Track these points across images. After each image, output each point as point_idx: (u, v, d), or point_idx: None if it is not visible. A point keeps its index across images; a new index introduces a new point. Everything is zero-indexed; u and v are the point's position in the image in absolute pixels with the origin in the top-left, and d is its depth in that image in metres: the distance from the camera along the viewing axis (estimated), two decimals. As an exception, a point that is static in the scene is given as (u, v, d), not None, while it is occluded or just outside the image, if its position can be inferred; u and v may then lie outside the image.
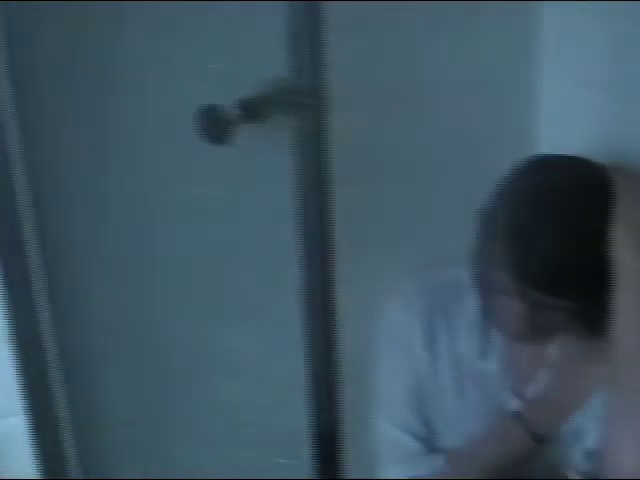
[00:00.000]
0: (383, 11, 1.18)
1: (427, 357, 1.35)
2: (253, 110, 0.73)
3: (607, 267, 1.15)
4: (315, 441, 0.76)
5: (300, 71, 0.69)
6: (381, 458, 1.37)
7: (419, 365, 1.35)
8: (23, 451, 1.07)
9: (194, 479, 1.22)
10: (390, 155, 1.37)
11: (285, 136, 0.71)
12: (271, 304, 1.17)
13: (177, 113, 0.88)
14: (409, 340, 1.35)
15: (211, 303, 1.17)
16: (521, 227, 1.16)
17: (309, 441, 0.77)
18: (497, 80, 1.45)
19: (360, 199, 1.30)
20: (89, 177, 1.09)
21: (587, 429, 1.28)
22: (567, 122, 1.46)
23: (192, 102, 0.78)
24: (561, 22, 1.40)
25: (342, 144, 1.20)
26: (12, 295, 0.87)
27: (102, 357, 1.17)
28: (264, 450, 1.28)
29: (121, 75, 0.97)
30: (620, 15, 1.26)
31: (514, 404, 1.36)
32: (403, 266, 1.40)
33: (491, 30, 1.38)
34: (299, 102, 0.67)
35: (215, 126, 0.73)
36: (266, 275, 1.19)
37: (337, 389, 0.75)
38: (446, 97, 1.40)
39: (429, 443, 1.37)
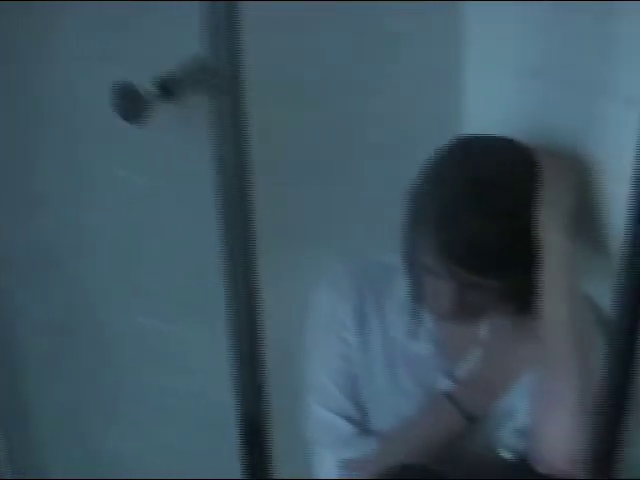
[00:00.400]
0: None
1: (358, 340, 1.34)
2: (170, 89, 0.71)
3: (534, 247, 1.16)
4: (242, 426, 0.75)
5: (217, 51, 0.67)
6: (315, 442, 1.36)
7: (350, 348, 1.35)
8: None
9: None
10: (315, 142, 1.36)
11: (203, 116, 0.70)
12: (195, 288, 1.16)
13: (95, 92, 0.85)
14: (340, 324, 1.34)
15: (134, 288, 1.15)
16: (447, 208, 1.17)
17: (237, 426, 0.76)
18: (421, 65, 1.45)
19: (285, 187, 1.30)
20: (7, 159, 1.06)
21: (518, 408, 1.29)
22: (492, 105, 1.46)
23: (110, 81, 0.76)
24: (485, 7, 1.40)
25: (267, 135, 1.20)
26: None
27: (24, 344, 1.14)
28: (191, 435, 1.26)
29: (37, 54, 0.94)
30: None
31: (446, 385, 1.36)
32: (331, 253, 1.40)
33: (415, 15, 1.38)
34: (216, 83, 0.65)
35: (131, 104, 0.71)
36: (188, 259, 1.17)
37: (263, 373, 0.74)
38: (370, 84, 1.39)
39: (362, 426, 1.36)
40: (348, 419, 1.34)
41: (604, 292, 0.78)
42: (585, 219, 1.28)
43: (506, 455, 1.27)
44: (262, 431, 0.76)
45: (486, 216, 1.14)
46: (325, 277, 1.36)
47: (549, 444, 1.14)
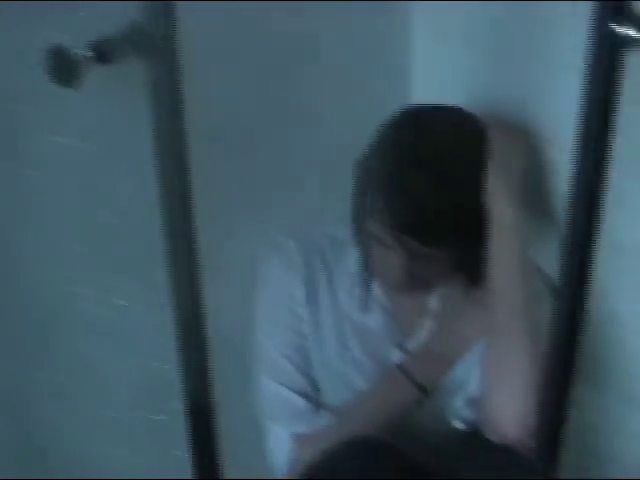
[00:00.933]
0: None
1: (308, 313, 1.33)
2: (105, 52, 0.69)
3: (482, 216, 1.16)
4: (187, 396, 0.74)
5: (153, 15, 0.65)
6: (267, 417, 1.35)
7: (301, 322, 1.33)
8: None
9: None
10: (263, 111, 1.34)
11: (139, 81, 0.68)
12: (136, 256, 1.14)
13: (28, 56, 0.83)
14: (290, 298, 1.33)
15: (73, 255, 1.12)
16: (395, 177, 1.16)
17: (181, 396, 0.75)
18: (370, 35, 1.44)
19: (232, 156, 1.28)
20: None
21: (470, 378, 1.29)
22: (441, 75, 1.46)
23: (43, 44, 0.74)
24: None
25: (215, 104, 1.18)
26: None
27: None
28: (135, 406, 1.24)
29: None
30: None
31: (398, 357, 1.36)
32: (279, 225, 1.39)
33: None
34: (151, 46, 0.63)
35: (65, 68, 0.69)
36: (128, 226, 1.15)
37: (206, 344, 0.73)
38: (318, 54, 1.37)
39: (315, 400, 1.35)
40: (301, 394, 1.33)
41: (554, 261, 0.78)
42: (534, 189, 1.28)
43: (459, 425, 1.28)
44: (208, 406, 0.74)
45: (434, 185, 1.14)
46: (274, 250, 1.34)
47: (500, 412, 1.14)
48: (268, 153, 1.37)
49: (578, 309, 0.68)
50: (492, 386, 1.18)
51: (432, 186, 1.14)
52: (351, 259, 1.34)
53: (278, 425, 1.33)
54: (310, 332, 1.34)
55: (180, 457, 0.84)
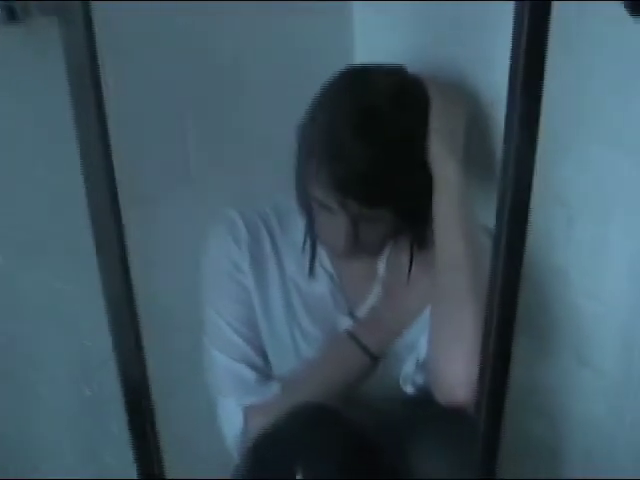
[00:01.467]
0: None
1: (255, 283, 1.31)
2: (14, 11, 0.66)
3: (425, 176, 1.15)
4: (121, 371, 0.71)
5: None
6: (216, 390, 1.33)
7: (248, 293, 1.32)
8: None
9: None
10: (201, 79, 1.32)
11: (51, 41, 0.65)
12: (62, 235, 1.11)
13: None
14: (236, 269, 1.31)
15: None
16: (334, 139, 1.14)
17: (116, 372, 0.72)
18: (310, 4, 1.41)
19: (172, 124, 1.25)
20: None
21: (420, 342, 1.28)
22: (383, 37, 1.44)
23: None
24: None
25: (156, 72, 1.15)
26: None
27: None
28: (71, 385, 1.22)
29: None
30: None
31: (347, 324, 1.34)
32: (221, 195, 1.37)
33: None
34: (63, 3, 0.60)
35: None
36: (54, 202, 1.12)
37: (138, 320, 0.70)
38: (258, 19, 1.35)
39: (264, 372, 1.34)
40: (249, 365, 1.32)
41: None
42: (479, 150, 1.27)
43: (409, 390, 1.27)
44: (142, 385, 0.72)
45: (374, 146, 1.12)
46: (218, 221, 1.32)
47: (448, 376, 1.13)
48: (205, 121, 1.35)
49: (515, 262, 0.66)
50: (439, 347, 1.17)
51: (371, 147, 1.12)
52: (296, 227, 1.33)
53: (228, 398, 1.31)
54: (257, 302, 1.32)
55: (118, 435, 0.82)
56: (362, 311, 1.35)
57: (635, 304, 0.96)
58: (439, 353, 1.17)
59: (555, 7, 0.57)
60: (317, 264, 1.33)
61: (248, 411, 1.30)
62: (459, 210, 1.15)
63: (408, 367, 1.29)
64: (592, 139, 1.00)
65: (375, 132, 1.13)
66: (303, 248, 1.31)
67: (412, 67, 1.24)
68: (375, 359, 1.32)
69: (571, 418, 1.05)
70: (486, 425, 0.79)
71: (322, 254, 1.33)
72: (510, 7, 0.56)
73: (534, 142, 0.64)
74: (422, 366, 1.26)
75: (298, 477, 1.11)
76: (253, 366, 1.32)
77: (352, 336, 1.32)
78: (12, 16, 0.65)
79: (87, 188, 0.67)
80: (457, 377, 1.11)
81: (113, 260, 0.71)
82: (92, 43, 0.61)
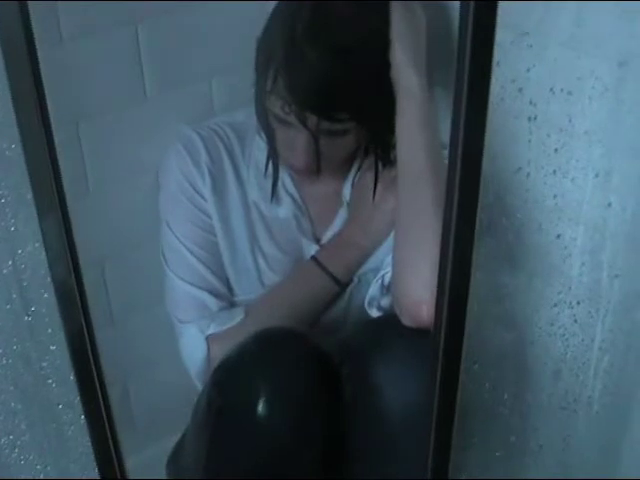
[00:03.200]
0: None
1: (216, 208, 1.28)
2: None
3: (386, 88, 1.11)
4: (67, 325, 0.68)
5: None
6: (177, 317, 1.30)
7: (208, 217, 1.28)
8: None
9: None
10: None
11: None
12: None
13: None
14: (197, 193, 1.28)
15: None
16: (291, 51, 1.11)
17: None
18: None
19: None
20: None
21: (385, 265, 1.25)
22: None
23: None
24: None
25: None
26: None
27: None
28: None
29: None
30: None
31: (312, 249, 1.32)
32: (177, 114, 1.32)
33: None
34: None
35: None
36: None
37: (79, 265, 0.67)
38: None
39: (227, 298, 1.31)
40: (211, 292, 1.29)
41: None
42: (442, 62, 1.23)
43: (374, 313, 1.25)
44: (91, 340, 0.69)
45: (330, 57, 1.09)
46: (175, 143, 1.28)
47: (412, 295, 1.11)
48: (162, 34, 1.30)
49: (472, 164, 0.63)
50: (402, 266, 1.15)
51: (329, 58, 1.09)
52: (257, 148, 1.29)
53: (190, 325, 1.28)
54: (218, 227, 1.29)
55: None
56: (327, 235, 1.33)
57: (602, 207, 0.94)
58: (402, 272, 1.14)
59: None
60: (280, 188, 1.30)
61: (211, 339, 1.27)
62: (422, 123, 1.12)
63: (373, 290, 1.26)
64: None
65: (331, 39, 1.09)
66: (265, 171, 1.27)
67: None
68: (340, 284, 1.30)
69: (538, 328, 1.04)
70: (446, 339, 0.77)
71: (286, 177, 1.30)
72: None
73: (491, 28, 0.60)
74: (387, 288, 1.23)
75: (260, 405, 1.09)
76: (215, 293, 1.29)
77: (317, 262, 1.30)
78: None
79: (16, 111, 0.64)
80: (421, 295, 1.08)
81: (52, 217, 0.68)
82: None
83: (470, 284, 0.69)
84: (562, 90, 0.86)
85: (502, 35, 0.63)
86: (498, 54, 0.63)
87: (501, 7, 0.61)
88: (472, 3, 0.58)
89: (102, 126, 1.28)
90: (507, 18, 0.64)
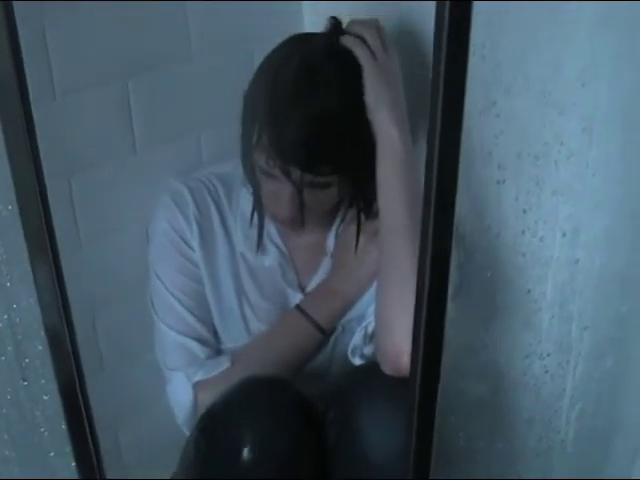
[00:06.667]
0: None
1: (203, 258, 1.31)
2: None
3: (368, 143, 1.15)
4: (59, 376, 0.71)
5: None
6: (165, 365, 1.33)
7: (197, 268, 1.31)
8: None
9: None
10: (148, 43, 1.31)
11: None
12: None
13: None
14: (185, 244, 1.31)
15: None
16: (275, 105, 1.15)
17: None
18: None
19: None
20: None
21: (368, 313, 1.28)
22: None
23: None
24: None
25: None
26: None
27: None
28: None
29: None
30: None
31: (297, 298, 1.35)
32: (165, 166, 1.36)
33: None
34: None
35: None
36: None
37: (71, 318, 0.70)
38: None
39: (214, 347, 1.34)
40: (199, 340, 1.32)
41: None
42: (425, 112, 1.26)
43: (357, 361, 1.28)
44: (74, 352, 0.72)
45: (312, 109, 1.13)
46: (164, 196, 1.31)
47: (393, 345, 1.14)
48: (151, 89, 1.34)
49: (446, 222, 0.67)
50: (383, 317, 1.18)
51: (312, 119, 1.12)
52: (244, 199, 1.32)
53: (177, 373, 1.31)
54: (206, 277, 1.32)
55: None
56: (312, 285, 1.36)
57: (570, 262, 0.98)
58: (383, 323, 1.17)
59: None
60: (266, 238, 1.33)
61: (198, 386, 1.30)
62: (401, 176, 1.15)
63: (357, 339, 1.29)
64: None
65: (313, 96, 1.13)
66: (251, 222, 1.31)
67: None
68: (325, 333, 1.33)
69: (513, 380, 1.06)
70: (421, 391, 0.80)
71: (271, 228, 1.33)
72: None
73: (461, 102, 0.64)
74: (370, 338, 1.26)
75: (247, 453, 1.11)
76: (202, 341, 1.32)
77: (302, 311, 1.32)
78: None
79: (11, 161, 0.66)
80: (401, 347, 1.11)
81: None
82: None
83: (443, 340, 0.73)
84: (529, 154, 0.90)
85: (469, 105, 0.67)
86: (467, 123, 0.67)
87: (469, 78, 0.65)
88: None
89: (93, 180, 1.31)
90: (475, 87, 0.68)
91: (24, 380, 0.82)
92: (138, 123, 1.34)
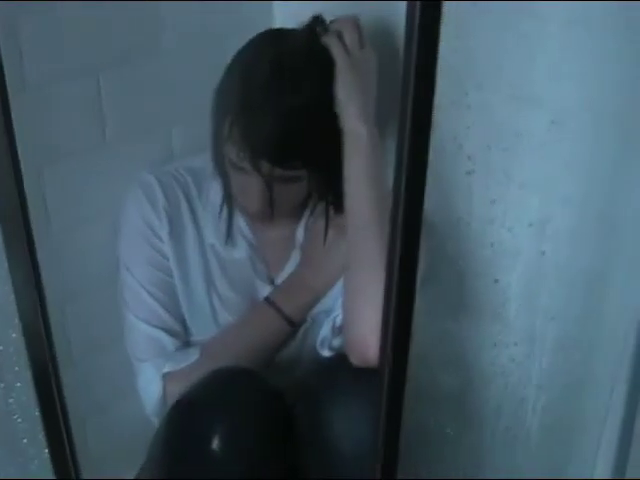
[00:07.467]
0: None
1: (173, 250, 1.31)
2: None
3: (336, 136, 1.16)
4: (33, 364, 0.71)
5: None
6: (134, 356, 1.33)
7: (165, 258, 1.32)
8: None
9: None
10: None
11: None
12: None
13: None
14: (152, 234, 1.31)
15: None
16: (245, 99, 1.16)
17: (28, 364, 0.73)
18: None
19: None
20: None
21: (337, 306, 1.29)
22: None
23: None
24: None
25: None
26: None
27: None
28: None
29: None
30: None
31: (266, 290, 1.35)
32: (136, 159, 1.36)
33: None
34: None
35: None
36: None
37: (45, 307, 0.70)
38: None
39: (183, 338, 1.34)
40: (168, 332, 1.32)
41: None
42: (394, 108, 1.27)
43: (326, 353, 1.28)
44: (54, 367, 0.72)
45: (282, 104, 1.14)
46: (135, 187, 1.31)
47: (360, 337, 1.15)
48: (120, 80, 1.34)
49: (414, 214, 0.67)
50: (352, 311, 1.19)
51: (282, 113, 1.13)
52: (214, 192, 1.33)
53: (146, 364, 1.31)
54: (176, 269, 1.32)
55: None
56: (281, 277, 1.36)
57: (537, 254, 1.00)
58: (351, 315, 1.19)
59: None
60: (236, 230, 1.34)
61: (167, 377, 1.30)
62: (368, 172, 1.16)
63: (325, 331, 1.30)
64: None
65: (282, 90, 1.14)
66: (220, 214, 1.31)
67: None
68: (294, 325, 1.34)
69: (480, 370, 1.08)
70: (390, 381, 0.81)
71: (241, 220, 1.34)
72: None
73: (431, 91, 0.65)
74: (339, 330, 1.27)
75: (215, 443, 1.12)
76: (171, 332, 1.32)
77: (271, 303, 1.33)
78: None
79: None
80: (368, 338, 1.13)
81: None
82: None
83: (412, 327, 0.74)
84: (498, 147, 0.92)
85: (442, 97, 0.68)
86: (438, 114, 0.68)
87: (440, 68, 0.66)
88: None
89: (65, 172, 1.31)
90: (447, 79, 0.70)
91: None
92: (109, 116, 1.34)
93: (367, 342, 1.13)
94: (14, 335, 0.78)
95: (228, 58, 1.22)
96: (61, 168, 1.31)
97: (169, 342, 1.32)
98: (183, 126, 1.45)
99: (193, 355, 1.30)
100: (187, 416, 1.19)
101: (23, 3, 1.15)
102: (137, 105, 1.38)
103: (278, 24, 1.49)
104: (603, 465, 1.17)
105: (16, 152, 0.67)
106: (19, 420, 0.82)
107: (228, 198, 1.29)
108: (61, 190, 1.31)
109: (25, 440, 0.82)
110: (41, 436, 0.75)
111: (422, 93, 0.66)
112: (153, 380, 1.31)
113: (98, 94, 1.31)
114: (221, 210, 1.31)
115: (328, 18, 1.23)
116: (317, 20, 1.22)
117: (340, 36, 1.18)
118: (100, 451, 1.46)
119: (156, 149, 1.42)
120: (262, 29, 1.24)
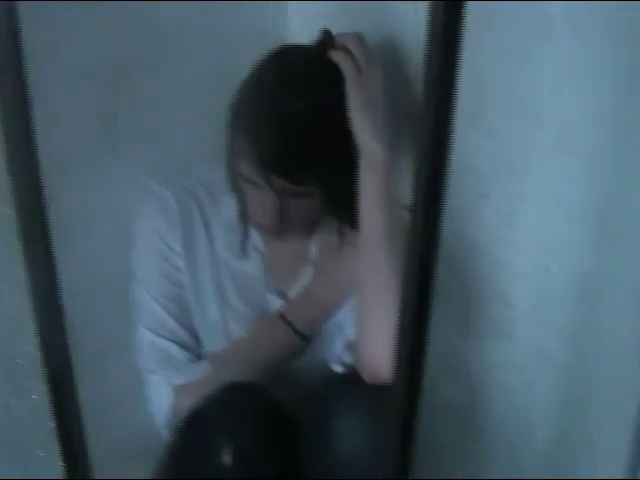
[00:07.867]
0: None
1: (185, 262, 1.32)
2: None
3: (350, 153, 1.17)
4: (49, 377, 0.71)
5: None
6: (144, 368, 1.33)
7: (177, 271, 1.32)
8: None
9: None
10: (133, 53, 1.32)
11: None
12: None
13: None
14: (165, 246, 1.31)
15: None
16: (259, 115, 1.16)
17: (43, 377, 0.73)
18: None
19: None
20: None
21: (348, 321, 1.30)
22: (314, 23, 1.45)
23: None
24: None
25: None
26: None
27: None
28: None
29: None
30: None
31: (278, 304, 1.36)
32: (151, 171, 1.36)
33: None
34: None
35: None
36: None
37: (64, 319, 0.71)
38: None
39: (194, 351, 1.34)
40: (180, 344, 1.32)
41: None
42: (408, 123, 1.28)
43: (337, 369, 1.29)
44: (70, 380, 0.72)
45: (295, 121, 1.14)
46: (148, 200, 1.32)
47: (372, 354, 1.15)
48: (135, 93, 1.35)
49: (432, 235, 0.67)
50: (363, 327, 1.19)
51: (292, 121, 1.14)
52: (227, 204, 1.33)
53: (157, 377, 1.32)
54: (188, 281, 1.33)
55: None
56: (293, 291, 1.37)
57: (545, 278, 1.00)
58: (363, 332, 1.19)
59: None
60: (248, 244, 1.34)
61: (177, 390, 1.30)
62: (382, 190, 1.17)
63: (337, 347, 1.31)
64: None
65: (295, 107, 1.14)
66: (233, 228, 1.32)
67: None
68: (305, 339, 1.34)
69: (487, 387, 1.08)
70: (404, 400, 0.80)
71: (254, 233, 1.34)
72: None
73: (451, 117, 0.65)
74: (350, 345, 1.27)
75: (225, 458, 1.12)
76: (183, 345, 1.33)
77: (282, 317, 1.33)
78: None
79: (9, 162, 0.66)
80: (381, 355, 1.13)
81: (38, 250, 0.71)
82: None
83: (427, 347, 0.73)
84: (506, 164, 0.91)
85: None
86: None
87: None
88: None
89: (65, 177, 1.33)
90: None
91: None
92: (111, 119, 1.35)
93: (379, 359, 1.13)
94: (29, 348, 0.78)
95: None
96: (63, 172, 1.31)
97: (180, 354, 1.32)
98: (186, 128, 1.46)
99: (204, 368, 1.31)
100: (197, 431, 1.19)
101: (23, 7, 1.15)
102: (139, 108, 1.39)
103: (275, 29, 1.50)
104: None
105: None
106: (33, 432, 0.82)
107: (242, 212, 1.29)
108: (62, 195, 1.31)
109: (42, 454, 0.82)
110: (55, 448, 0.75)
111: (443, 109, 0.66)
112: (163, 392, 1.31)
113: (99, 97, 1.32)
114: (235, 224, 1.31)
115: (328, 20, 1.23)
116: (327, 34, 1.22)
117: (348, 52, 1.19)
118: (100, 454, 1.46)
119: (157, 154, 1.44)
120: (265, 36, 1.24)
